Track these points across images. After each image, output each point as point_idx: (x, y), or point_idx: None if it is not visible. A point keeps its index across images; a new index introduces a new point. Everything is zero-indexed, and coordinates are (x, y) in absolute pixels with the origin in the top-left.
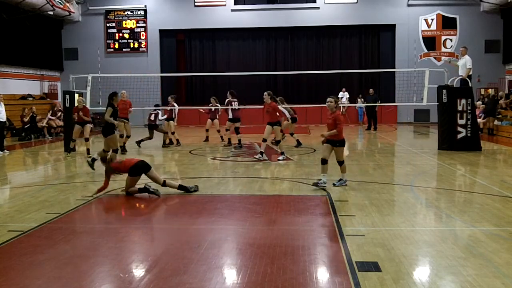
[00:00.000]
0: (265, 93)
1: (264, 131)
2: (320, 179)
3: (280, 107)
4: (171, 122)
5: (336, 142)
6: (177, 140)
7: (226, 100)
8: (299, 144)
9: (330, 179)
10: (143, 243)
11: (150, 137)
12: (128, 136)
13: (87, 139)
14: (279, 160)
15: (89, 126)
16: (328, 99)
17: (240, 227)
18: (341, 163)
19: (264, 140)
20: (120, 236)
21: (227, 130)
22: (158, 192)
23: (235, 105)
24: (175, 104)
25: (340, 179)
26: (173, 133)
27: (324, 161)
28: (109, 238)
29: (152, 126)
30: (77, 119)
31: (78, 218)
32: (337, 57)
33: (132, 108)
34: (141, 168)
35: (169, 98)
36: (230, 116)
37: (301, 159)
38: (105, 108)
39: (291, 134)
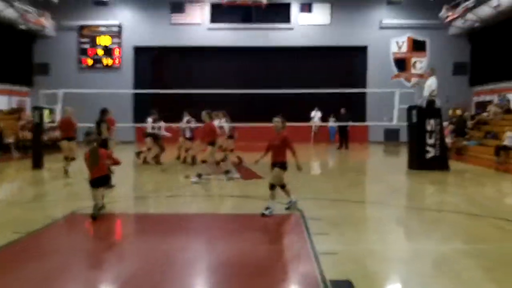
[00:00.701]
0: (203, 112)
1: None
2: (291, 200)
3: (217, 122)
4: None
5: (277, 163)
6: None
7: (185, 119)
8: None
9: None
10: (113, 263)
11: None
12: None
13: (73, 159)
14: (193, 182)
15: (75, 143)
16: (275, 119)
17: (213, 246)
18: (273, 187)
19: (217, 163)
20: (91, 255)
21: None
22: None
23: (193, 123)
24: (150, 120)
25: (268, 208)
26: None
27: (272, 187)
28: (80, 258)
29: (155, 136)
30: (63, 134)
31: (47, 237)
32: (311, 77)
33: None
34: (101, 181)
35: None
36: (188, 135)
37: None
38: (95, 125)
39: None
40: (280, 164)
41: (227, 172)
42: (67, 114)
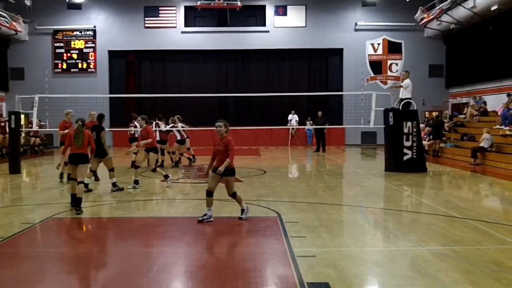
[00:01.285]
0: (139, 117)
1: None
2: (205, 214)
3: (169, 127)
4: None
5: (226, 171)
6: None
7: (154, 123)
8: (190, 160)
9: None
10: (91, 268)
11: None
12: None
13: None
14: (168, 186)
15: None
16: (217, 124)
17: (191, 250)
18: (233, 195)
19: (137, 167)
20: (67, 261)
21: (169, 152)
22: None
23: (163, 127)
24: (137, 124)
25: (242, 210)
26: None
27: (209, 193)
28: (56, 263)
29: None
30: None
31: (24, 242)
32: (287, 80)
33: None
34: (79, 158)
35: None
36: (158, 138)
37: (251, 181)
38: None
39: (181, 155)
40: (229, 171)
41: (136, 182)
42: (69, 117)
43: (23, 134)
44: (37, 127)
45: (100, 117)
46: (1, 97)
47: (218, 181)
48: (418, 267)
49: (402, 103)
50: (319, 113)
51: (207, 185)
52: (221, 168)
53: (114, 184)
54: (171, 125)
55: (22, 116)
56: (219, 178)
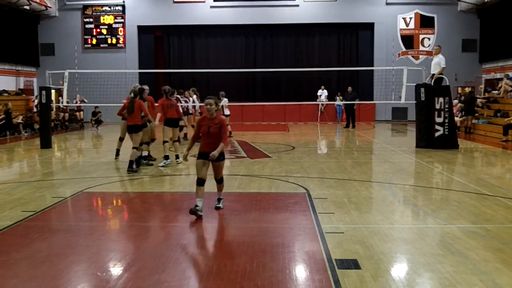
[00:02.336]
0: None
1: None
2: (196, 205)
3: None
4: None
5: (220, 156)
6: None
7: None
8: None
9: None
10: (120, 241)
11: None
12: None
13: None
14: (159, 166)
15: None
16: (208, 101)
17: (219, 225)
18: (220, 180)
19: (165, 142)
20: (97, 234)
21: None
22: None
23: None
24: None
25: (219, 199)
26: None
27: (202, 182)
28: (86, 236)
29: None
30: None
31: (55, 216)
32: (316, 55)
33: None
34: (134, 128)
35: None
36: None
37: (280, 157)
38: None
39: (193, 126)
40: (221, 155)
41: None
42: (145, 93)
43: (54, 109)
44: (79, 101)
45: (141, 90)
46: (32, 73)
47: (208, 166)
48: (447, 245)
49: (434, 79)
50: (349, 88)
51: (197, 173)
52: (215, 153)
53: (144, 158)
54: (191, 99)
55: (53, 91)
56: (208, 163)
